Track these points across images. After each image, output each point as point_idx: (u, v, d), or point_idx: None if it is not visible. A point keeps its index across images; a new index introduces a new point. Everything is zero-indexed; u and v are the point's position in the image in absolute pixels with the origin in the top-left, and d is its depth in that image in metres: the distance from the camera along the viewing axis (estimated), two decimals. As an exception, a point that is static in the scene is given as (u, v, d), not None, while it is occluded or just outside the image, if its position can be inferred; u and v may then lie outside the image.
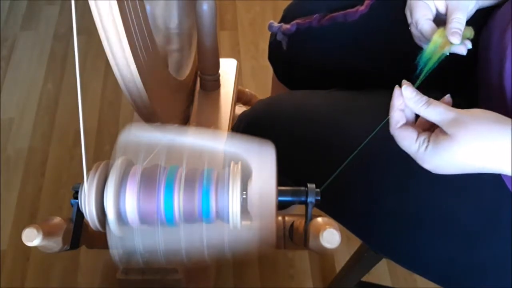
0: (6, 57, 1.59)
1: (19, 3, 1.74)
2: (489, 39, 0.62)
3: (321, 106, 0.73)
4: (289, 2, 0.86)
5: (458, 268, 0.63)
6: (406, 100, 0.52)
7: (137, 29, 0.55)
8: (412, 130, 0.52)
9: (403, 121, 0.53)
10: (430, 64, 0.55)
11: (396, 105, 0.52)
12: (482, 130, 0.47)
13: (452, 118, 0.48)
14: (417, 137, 0.51)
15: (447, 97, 0.53)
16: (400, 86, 0.52)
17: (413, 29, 0.60)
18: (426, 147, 0.50)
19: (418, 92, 0.51)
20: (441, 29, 0.56)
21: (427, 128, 0.53)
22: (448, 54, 0.56)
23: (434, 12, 0.58)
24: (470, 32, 0.57)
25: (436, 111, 0.50)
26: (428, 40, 0.57)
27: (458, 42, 0.55)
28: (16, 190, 1.30)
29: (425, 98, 0.51)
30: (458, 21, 0.55)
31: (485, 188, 0.59)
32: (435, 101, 0.51)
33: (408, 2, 0.60)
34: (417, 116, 0.53)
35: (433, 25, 0.58)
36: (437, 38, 0.55)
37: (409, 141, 0.51)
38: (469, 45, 0.57)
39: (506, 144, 0.47)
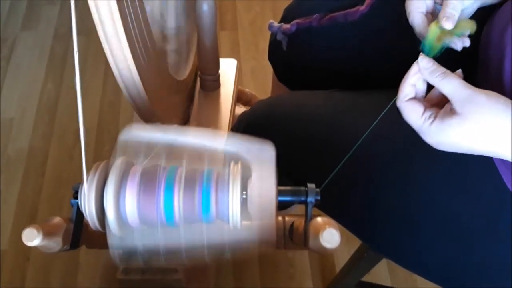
0: (6, 57, 1.59)
1: (20, 3, 1.74)
2: (489, 37, 0.61)
3: (321, 106, 0.73)
4: (289, 2, 0.86)
5: (458, 268, 0.63)
6: (422, 70, 0.51)
7: (136, 30, 0.55)
8: (419, 104, 0.51)
9: (412, 95, 0.52)
10: (432, 55, 0.54)
11: (409, 79, 0.52)
12: (495, 115, 0.47)
13: (466, 96, 0.48)
14: (424, 111, 0.50)
15: (459, 72, 0.51)
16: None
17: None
18: (432, 122, 0.50)
19: (435, 62, 0.51)
20: (436, 21, 0.55)
21: (435, 103, 0.52)
22: (449, 45, 0.55)
23: (430, 6, 0.58)
24: (472, 26, 0.55)
25: (452, 84, 0.49)
26: (416, 32, 0.56)
27: (451, 27, 0.53)
28: (16, 190, 1.30)
29: (442, 69, 0.50)
30: (452, 7, 0.54)
31: (485, 188, 0.59)
32: (451, 74, 0.50)
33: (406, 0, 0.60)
34: (427, 91, 0.53)
35: (423, 17, 0.57)
36: (434, 27, 0.54)
37: (415, 115, 0.51)
38: (466, 42, 0.56)
39: None
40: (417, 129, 0.51)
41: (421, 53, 0.52)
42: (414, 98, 0.52)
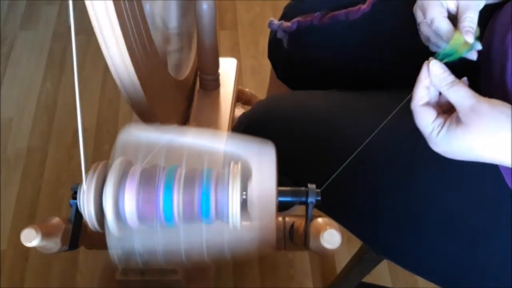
0: (5, 56, 1.58)
1: (18, 2, 1.74)
2: (491, 38, 0.61)
3: (321, 106, 0.72)
4: (289, 2, 0.86)
5: (459, 268, 0.63)
6: (432, 76, 0.51)
7: (134, 29, 0.55)
8: (433, 111, 0.51)
9: (426, 99, 0.52)
10: (446, 61, 0.54)
11: (422, 81, 0.52)
12: (497, 125, 0.47)
13: (470, 106, 0.48)
14: (435, 119, 0.51)
15: (464, 79, 0.52)
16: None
17: (424, 28, 0.59)
18: (439, 131, 0.50)
19: (446, 69, 0.51)
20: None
21: (447, 109, 0.52)
22: (463, 56, 0.55)
23: (446, 11, 0.58)
24: (477, 32, 0.56)
25: (458, 94, 0.49)
26: (444, 38, 0.56)
27: (472, 41, 0.54)
28: (15, 190, 1.29)
29: (451, 77, 0.50)
30: (471, 20, 0.54)
31: (486, 187, 0.59)
32: (460, 83, 0.50)
33: (419, 1, 0.60)
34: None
35: (450, 23, 0.56)
36: (459, 36, 0.54)
37: (426, 121, 0.51)
38: (478, 46, 0.56)
39: None
40: (426, 136, 0.52)
41: (432, 58, 0.52)
42: (428, 103, 0.52)
